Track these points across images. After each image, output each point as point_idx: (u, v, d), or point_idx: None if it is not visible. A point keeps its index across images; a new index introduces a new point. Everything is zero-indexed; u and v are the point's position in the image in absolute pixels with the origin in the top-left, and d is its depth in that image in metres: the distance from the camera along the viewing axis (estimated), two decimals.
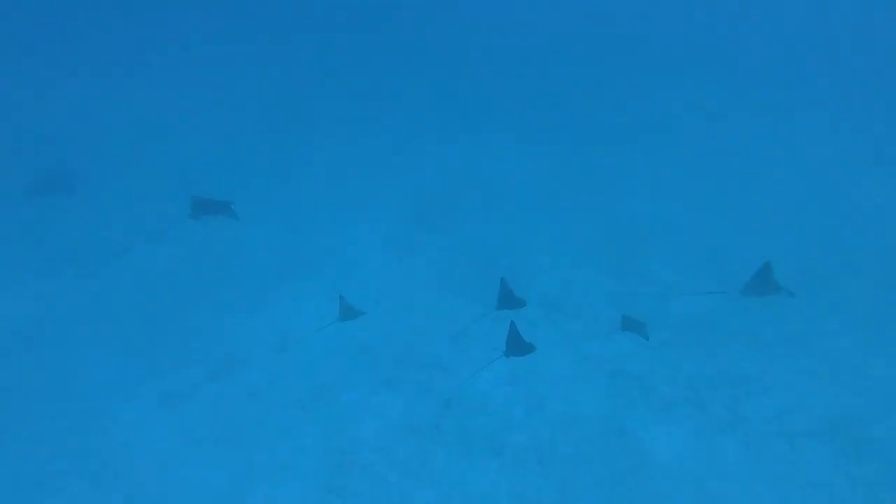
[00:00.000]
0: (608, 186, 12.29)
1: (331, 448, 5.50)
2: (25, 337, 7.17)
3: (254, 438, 5.72)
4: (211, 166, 12.42)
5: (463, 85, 18.65)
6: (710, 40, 24.03)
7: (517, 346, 6.76)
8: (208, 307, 7.85)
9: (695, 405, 6.44)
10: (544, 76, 19.58)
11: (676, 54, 22.51)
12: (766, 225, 10.74)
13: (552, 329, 7.87)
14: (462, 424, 5.84)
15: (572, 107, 17.21)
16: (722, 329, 7.83)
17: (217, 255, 9.31)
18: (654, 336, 7.72)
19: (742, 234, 10.44)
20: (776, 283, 7.74)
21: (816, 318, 7.71)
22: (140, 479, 5.44)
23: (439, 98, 17.72)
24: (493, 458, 5.38)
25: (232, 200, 9.62)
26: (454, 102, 17.67)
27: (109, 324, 7.46)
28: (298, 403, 6.15)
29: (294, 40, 21.23)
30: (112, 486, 5.39)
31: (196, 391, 6.31)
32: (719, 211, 11.21)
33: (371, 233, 10.35)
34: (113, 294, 8.15)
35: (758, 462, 5.61)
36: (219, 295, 8.17)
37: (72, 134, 12.96)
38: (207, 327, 7.42)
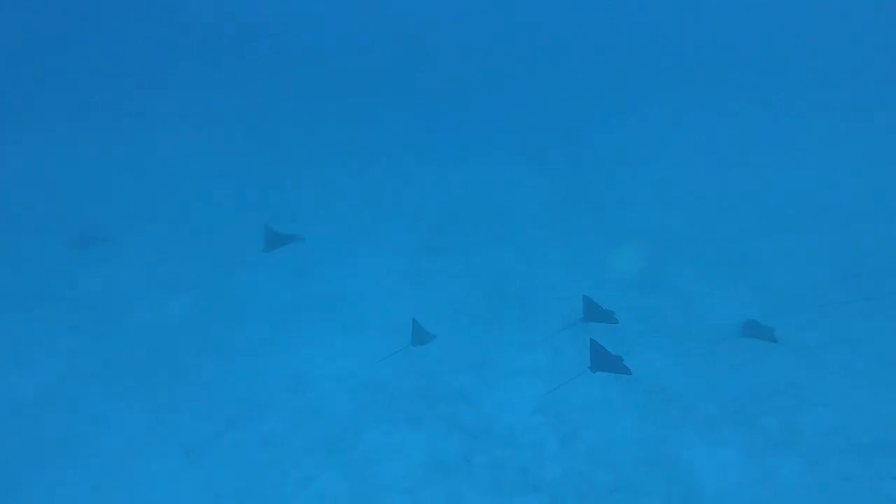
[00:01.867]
0: (618, 204, 12.02)
1: (355, 494, 5.13)
2: (48, 395, 7.05)
3: (275, 489, 5.44)
4: (217, 212, 12.53)
5: (464, 112, 18.86)
6: (711, 47, 24.15)
7: (603, 360, 6.65)
8: (223, 354, 7.69)
9: (742, 422, 5.88)
10: (548, 99, 19.74)
11: (678, 67, 22.62)
12: (786, 227, 10.29)
13: (577, 349, 7.44)
14: (492, 459, 5.38)
15: (576, 128, 17.23)
16: (762, 336, 7.29)
17: (228, 301, 9.21)
18: (687, 348, 7.23)
19: (761, 239, 10.00)
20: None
21: (864, 318, 7.13)
22: None
23: (442, 127, 17.89)
24: (528, 494, 4.89)
25: (301, 234, 10.31)
26: (456, 130, 17.83)
27: (129, 377, 7.34)
28: (318, 448, 5.84)
29: (289, 75, 21.83)
30: None
31: (215, 443, 6.07)
32: (735, 219, 10.81)
33: (381, 266, 10.17)
34: (132, 346, 8.06)
35: (822, 481, 5.01)
36: (232, 340, 8.01)
37: (86, 196, 13.31)
38: (224, 375, 7.24)
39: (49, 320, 8.51)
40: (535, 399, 6.36)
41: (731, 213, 11.24)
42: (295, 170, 14.99)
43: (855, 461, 5.18)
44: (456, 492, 5.05)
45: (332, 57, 24.06)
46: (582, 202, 12.55)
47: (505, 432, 5.81)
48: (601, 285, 8.93)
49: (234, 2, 29.67)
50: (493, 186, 13.94)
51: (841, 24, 26.67)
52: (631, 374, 6.55)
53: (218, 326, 8.40)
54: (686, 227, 10.84)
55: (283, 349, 7.72)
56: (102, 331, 8.40)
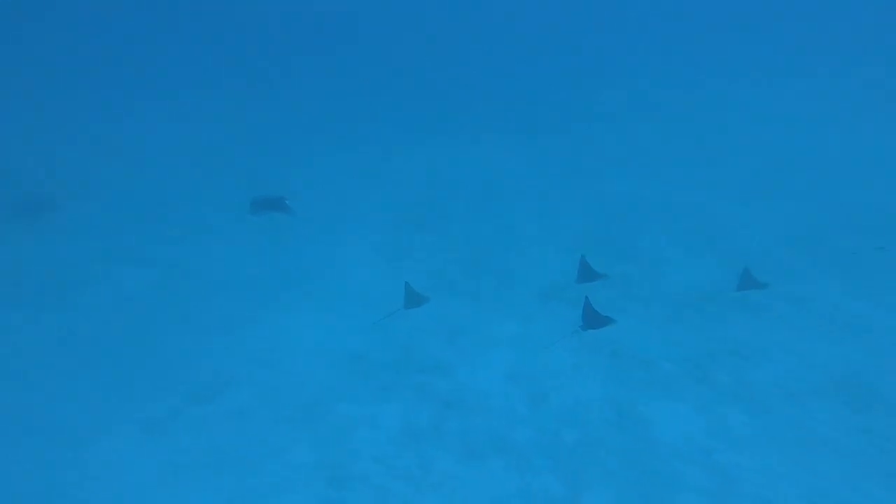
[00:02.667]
0: (592, 174, 12.29)
1: (326, 463, 5.35)
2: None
3: (242, 461, 5.48)
4: (191, 186, 12.45)
5: (444, 86, 18.70)
6: (680, 18, 23.86)
7: (593, 319, 7.18)
8: (190, 329, 7.64)
9: (698, 378, 6.39)
10: (526, 72, 19.61)
11: (656, 40, 22.41)
12: (750, 191, 10.69)
13: (551, 318, 7.87)
14: (464, 425, 5.77)
15: (555, 99, 17.22)
16: (722, 299, 7.79)
17: (196, 275, 9.13)
18: (653, 312, 7.71)
19: (730, 203, 10.40)
20: None
21: (812, 279, 7.64)
22: None
23: (421, 105, 17.77)
24: (497, 456, 5.35)
25: (286, 196, 10.44)
26: (437, 105, 17.71)
27: (85, 353, 7.17)
28: (290, 420, 5.98)
29: (269, 49, 21.31)
30: None
31: (178, 416, 6.07)
32: (705, 186, 11.18)
33: (360, 241, 10.36)
34: (89, 321, 7.90)
35: (765, 428, 5.56)
36: (201, 316, 7.95)
37: (45, 166, 12.89)
38: (189, 350, 7.19)
39: None
40: (508, 366, 6.81)
41: (705, 181, 11.60)
42: (276, 145, 14.90)
43: (794, 408, 5.73)
44: (427, 458, 5.36)
45: (310, 35, 23.38)
46: (561, 172, 12.80)
47: (477, 399, 6.16)
48: (578, 253, 9.31)
49: None
50: (473, 159, 14.07)
51: None
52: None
53: (185, 302, 8.32)
54: (662, 195, 11.20)
55: (256, 324, 7.78)
56: (49, 306, 8.14)
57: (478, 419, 5.88)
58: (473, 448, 5.44)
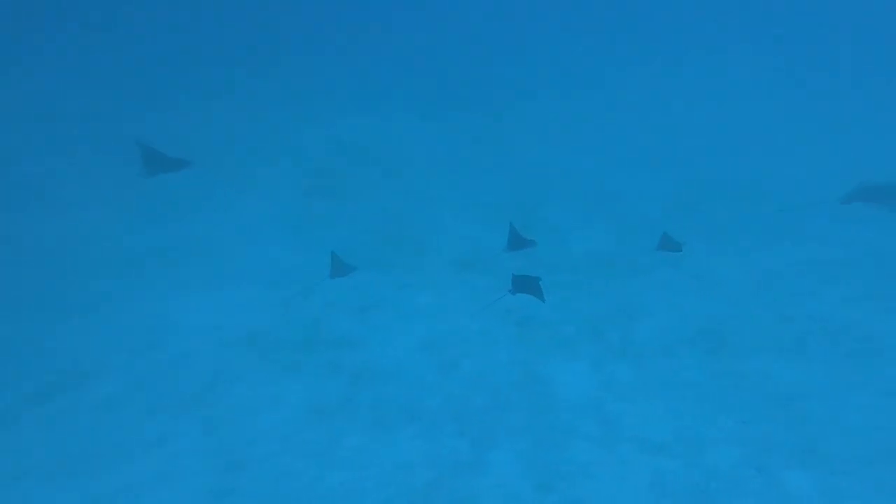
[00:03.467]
0: (504, 148, 12.62)
1: (221, 449, 5.09)
2: None
3: (108, 457, 4.94)
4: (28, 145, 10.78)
5: (357, 61, 17.85)
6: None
7: (522, 283, 7.21)
8: (43, 315, 6.71)
9: (594, 339, 7.09)
10: (436, 47, 19.22)
11: (563, 12, 22.87)
12: (644, 166, 11.67)
13: (464, 288, 8.18)
14: (374, 397, 5.88)
15: (466, 75, 17.16)
16: (617, 264, 8.58)
17: (51, 254, 7.88)
18: (558, 279, 8.31)
19: (625, 175, 11.30)
20: None
21: (686, 241, 8.63)
22: None
23: (335, 73, 16.87)
24: (407, 425, 5.60)
25: (188, 158, 8.65)
26: (350, 79, 16.94)
27: None
28: (174, 407, 5.55)
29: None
30: None
31: (21, 413, 5.33)
32: (606, 157, 12.00)
33: (262, 211, 9.81)
34: None
35: (644, 378, 6.36)
36: (57, 299, 6.99)
37: None
38: (39, 338, 6.35)
39: None
40: (420, 338, 7.04)
41: (607, 153, 12.36)
42: (168, 98, 13.38)
43: (667, 358, 6.61)
44: (336, 433, 5.39)
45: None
46: (474, 146, 12.95)
47: (388, 371, 6.29)
48: (490, 223, 9.62)
49: None
50: (386, 132, 13.76)
51: None
52: (544, 301, 7.41)
53: (37, 282, 7.31)
54: (568, 166, 11.80)
55: (131, 304, 7.11)
56: None
57: (388, 390, 6.04)
58: (383, 419, 5.62)
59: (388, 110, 14.43)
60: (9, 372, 5.87)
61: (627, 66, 17.74)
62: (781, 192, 10.12)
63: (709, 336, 6.87)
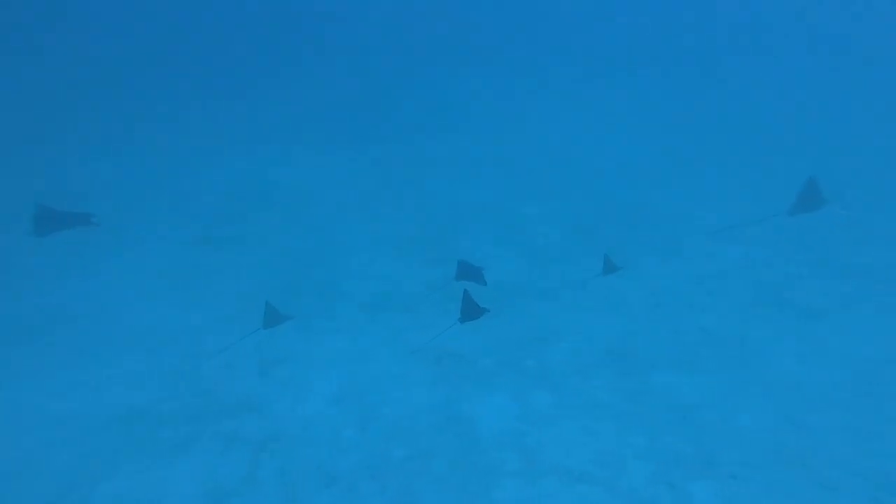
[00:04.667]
0: (413, 183, 12.69)
1: None
2: None
3: None
4: None
5: (254, 97, 17.23)
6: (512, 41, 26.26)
7: (471, 310, 7.12)
8: None
9: (511, 368, 7.10)
10: (344, 84, 19.21)
11: (471, 44, 24.11)
12: (543, 193, 12.36)
13: (381, 330, 7.85)
14: (281, 468, 5.33)
15: (374, 109, 17.26)
16: (527, 290, 8.79)
17: None
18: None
19: (528, 202, 11.85)
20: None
21: (588, 265, 9.13)
22: None
23: (226, 111, 16.06)
24: (321, 492, 5.10)
25: (93, 213, 8.17)
26: (243, 115, 16.23)
27: None
28: None
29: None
30: None
31: None
32: (510, 188, 12.53)
33: (142, 267, 8.86)
34: None
35: (561, 402, 6.46)
36: None
37: None
38: None
39: None
40: (333, 390, 6.57)
41: (511, 184, 12.87)
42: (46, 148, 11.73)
43: (581, 380, 6.78)
44: None
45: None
46: (383, 182, 12.84)
47: (297, 434, 5.78)
48: (403, 258, 9.45)
49: None
50: (287, 170, 13.23)
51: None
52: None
53: None
54: (476, 199, 12.07)
55: None
56: None
57: (299, 456, 5.50)
58: (294, 491, 5.07)
59: (286, 145, 13.98)
60: None
61: (529, 98, 18.99)
62: (665, 215, 11.19)
63: (616, 356, 7.18)
